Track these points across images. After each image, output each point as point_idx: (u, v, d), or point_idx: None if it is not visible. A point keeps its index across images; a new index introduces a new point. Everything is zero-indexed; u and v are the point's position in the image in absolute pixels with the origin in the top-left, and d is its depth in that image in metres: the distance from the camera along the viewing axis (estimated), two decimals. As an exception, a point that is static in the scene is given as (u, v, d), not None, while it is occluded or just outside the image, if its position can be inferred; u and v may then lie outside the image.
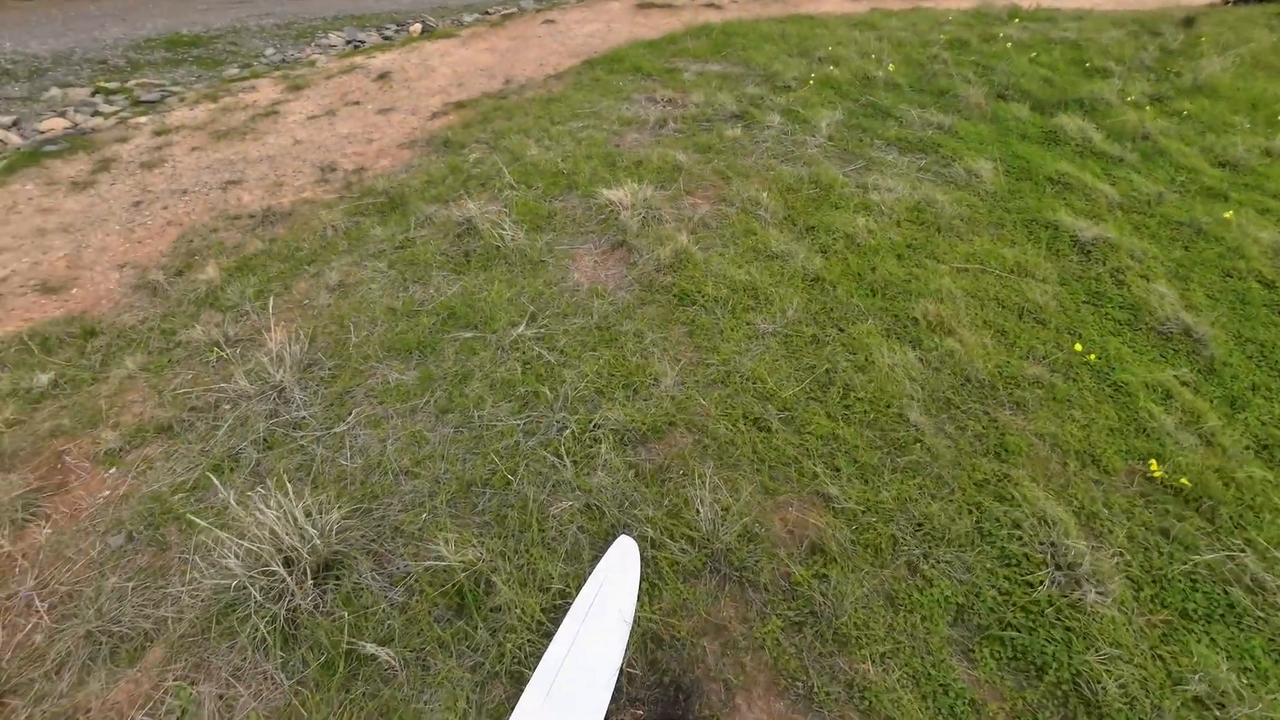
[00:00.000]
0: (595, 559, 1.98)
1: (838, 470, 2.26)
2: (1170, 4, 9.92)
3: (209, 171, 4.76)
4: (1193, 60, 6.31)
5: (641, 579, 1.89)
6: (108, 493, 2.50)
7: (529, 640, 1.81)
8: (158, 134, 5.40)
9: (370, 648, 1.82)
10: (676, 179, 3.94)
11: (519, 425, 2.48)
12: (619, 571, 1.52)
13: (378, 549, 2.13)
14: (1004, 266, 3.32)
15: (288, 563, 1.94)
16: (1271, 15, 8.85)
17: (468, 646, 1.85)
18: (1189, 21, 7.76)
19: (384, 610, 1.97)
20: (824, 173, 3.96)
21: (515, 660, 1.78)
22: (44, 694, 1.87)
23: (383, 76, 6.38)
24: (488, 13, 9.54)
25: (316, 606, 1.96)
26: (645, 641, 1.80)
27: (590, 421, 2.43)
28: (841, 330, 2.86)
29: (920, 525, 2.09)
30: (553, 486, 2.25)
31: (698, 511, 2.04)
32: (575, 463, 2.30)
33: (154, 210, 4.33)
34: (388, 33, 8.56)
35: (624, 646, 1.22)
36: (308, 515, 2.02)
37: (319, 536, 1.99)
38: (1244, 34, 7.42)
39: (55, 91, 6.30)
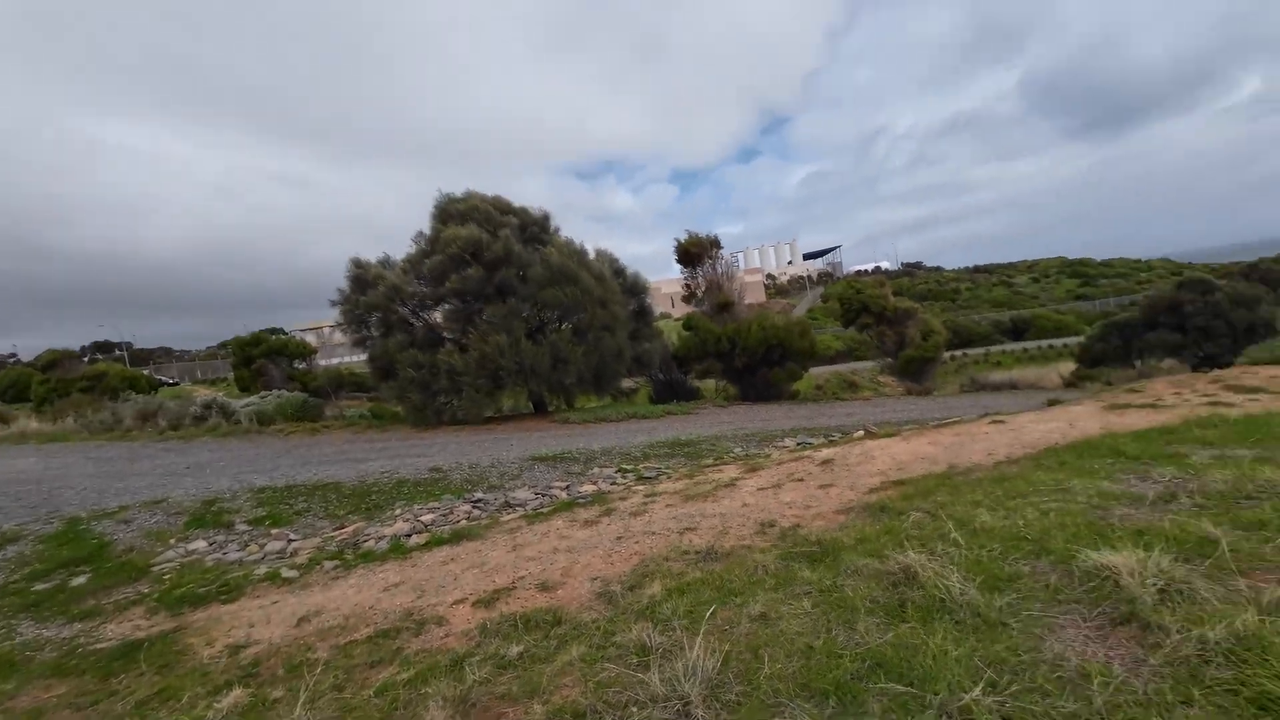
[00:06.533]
0: None
1: None
2: None
3: (674, 521, 5.64)
4: None
5: None
6: (516, 763, 2.52)
7: None
8: (647, 496, 6.84)
9: None
10: (1211, 553, 2.87)
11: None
12: None
13: None
14: None
15: None
16: None
17: None
18: None
19: None
20: None
21: None
22: None
23: (825, 462, 7.01)
24: (930, 423, 10.05)
25: None
26: None
27: None
28: None
29: None
30: None
31: None
32: None
33: (629, 543, 5.23)
34: (832, 438, 9.71)
35: None
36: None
37: None
38: None
39: (596, 469, 8.85)
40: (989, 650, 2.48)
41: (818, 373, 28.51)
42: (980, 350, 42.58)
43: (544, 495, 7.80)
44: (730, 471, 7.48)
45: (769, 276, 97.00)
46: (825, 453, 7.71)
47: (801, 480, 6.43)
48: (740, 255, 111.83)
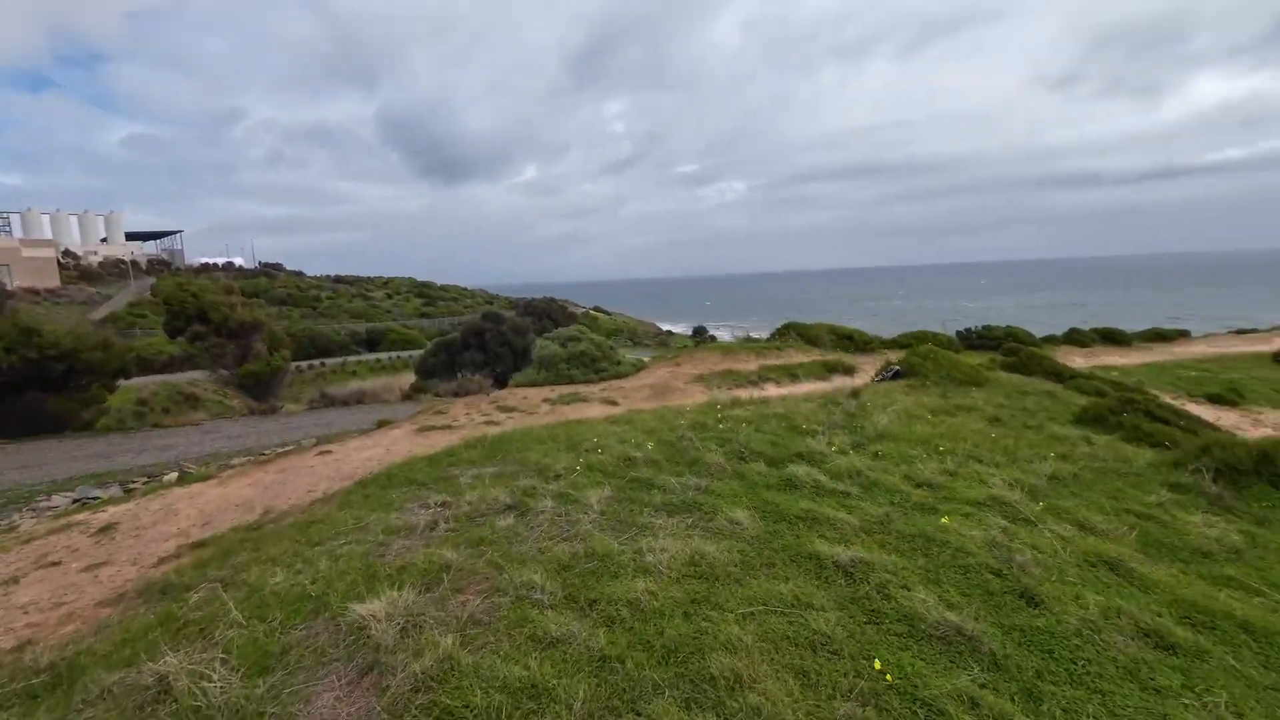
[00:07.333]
0: None
1: None
2: (841, 386, 13.46)
3: None
4: (868, 417, 8.21)
5: None
6: None
7: None
8: None
9: None
10: (444, 577, 3.62)
11: None
12: None
13: None
14: (785, 602, 3.32)
15: None
16: (904, 386, 12.32)
17: None
18: (855, 393, 10.42)
19: None
20: (599, 545, 3.96)
21: None
22: None
23: (106, 529, 5.57)
24: (263, 454, 9.45)
25: None
26: None
27: None
28: (639, 715, 2.44)
29: None
30: None
31: None
32: None
33: None
34: (132, 485, 7.87)
35: None
36: None
37: None
38: (891, 398, 10.07)
39: None
40: (236, 756, 2.37)
41: (144, 383, 22.86)
42: (339, 360, 43.59)
43: None
44: (-75, 569, 4.99)
45: (68, 254, 72.67)
46: (111, 513, 6.13)
47: (59, 564, 4.88)
48: (16, 217, 79.67)
